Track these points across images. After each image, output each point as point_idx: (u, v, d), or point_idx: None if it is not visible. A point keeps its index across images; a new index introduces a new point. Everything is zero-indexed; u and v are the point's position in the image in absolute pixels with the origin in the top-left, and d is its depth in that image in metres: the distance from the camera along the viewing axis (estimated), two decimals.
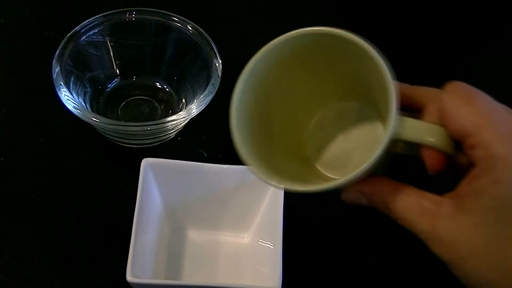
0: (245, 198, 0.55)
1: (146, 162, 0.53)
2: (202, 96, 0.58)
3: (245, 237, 0.55)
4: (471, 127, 0.37)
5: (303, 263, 0.54)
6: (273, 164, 0.43)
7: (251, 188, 0.54)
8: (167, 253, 0.54)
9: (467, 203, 0.37)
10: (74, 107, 0.57)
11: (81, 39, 0.62)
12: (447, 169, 0.40)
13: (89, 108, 0.61)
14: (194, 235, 0.55)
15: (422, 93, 0.41)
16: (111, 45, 0.64)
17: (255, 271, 0.53)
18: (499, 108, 0.38)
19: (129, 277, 0.47)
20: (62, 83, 0.58)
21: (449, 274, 0.57)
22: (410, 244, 0.56)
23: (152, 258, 0.52)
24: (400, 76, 0.68)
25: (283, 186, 0.42)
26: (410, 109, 0.41)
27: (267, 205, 0.54)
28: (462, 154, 0.39)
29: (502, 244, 0.36)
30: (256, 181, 0.54)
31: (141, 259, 0.50)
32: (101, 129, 0.59)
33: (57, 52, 0.60)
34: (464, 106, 0.38)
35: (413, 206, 0.39)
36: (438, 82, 0.71)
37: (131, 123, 0.59)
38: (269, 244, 0.52)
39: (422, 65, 0.71)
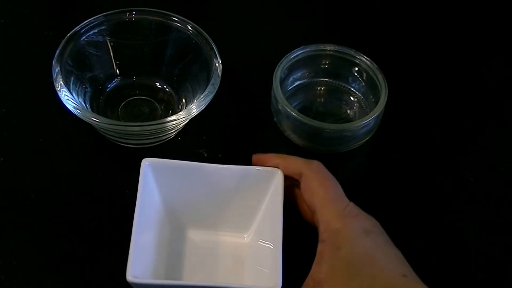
0: (246, 198, 0.55)
1: (146, 162, 0.53)
2: (202, 96, 0.58)
3: (245, 237, 0.55)
4: (318, 206, 0.49)
5: (303, 263, 0.54)
6: None
7: (252, 188, 0.54)
8: (167, 253, 0.54)
9: (323, 281, 0.46)
10: (74, 107, 0.57)
11: (81, 39, 0.62)
12: None
13: (89, 108, 0.61)
14: (195, 235, 0.55)
15: (293, 167, 0.52)
16: (111, 45, 0.64)
17: (255, 271, 0.53)
18: (340, 191, 0.50)
19: (129, 277, 0.47)
20: (62, 83, 0.58)
21: (449, 275, 0.57)
22: (410, 245, 0.56)
23: (152, 258, 0.52)
24: (401, 76, 0.68)
25: None
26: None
27: (267, 205, 0.54)
28: None
29: None
30: (257, 181, 0.54)
31: (141, 259, 0.50)
32: (101, 129, 0.59)
33: (57, 52, 0.60)
34: (318, 187, 0.50)
35: None
36: (438, 82, 0.71)
37: (131, 123, 0.59)
38: (269, 244, 0.52)
39: (422, 65, 0.71)
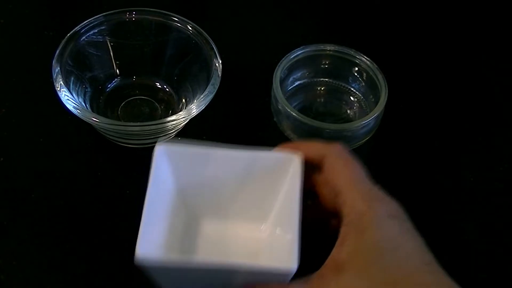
0: (263, 184, 0.52)
1: (160, 146, 0.51)
2: (202, 96, 0.58)
3: (262, 226, 0.53)
4: (343, 187, 0.47)
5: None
6: None
7: (269, 174, 0.52)
8: (179, 242, 0.52)
9: (344, 263, 0.44)
10: (74, 107, 0.57)
11: (81, 39, 0.62)
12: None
13: (89, 108, 0.61)
14: (209, 225, 0.53)
15: (315, 150, 0.50)
16: (111, 45, 0.64)
17: (271, 257, 0.51)
18: (362, 174, 0.48)
19: (139, 254, 0.45)
20: (62, 83, 0.58)
21: (449, 275, 0.57)
22: None
23: (163, 243, 0.50)
24: (401, 76, 0.69)
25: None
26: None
27: (285, 191, 0.52)
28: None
29: None
30: (274, 166, 0.51)
31: (152, 242, 0.47)
32: (101, 129, 0.59)
33: (57, 52, 0.60)
34: (343, 168, 0.48)
35: None
36: (438, 82, 0.71)
37: (131, 123, 0.59)
38: (286, 230, 0.49)
39: (422, 65, 0.71)
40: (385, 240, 0.45)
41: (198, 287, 0.50)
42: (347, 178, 0.47)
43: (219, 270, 0.45)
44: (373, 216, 0.45)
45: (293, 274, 0.45)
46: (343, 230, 0.46)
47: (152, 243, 0.47)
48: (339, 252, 0.45)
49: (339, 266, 0.45)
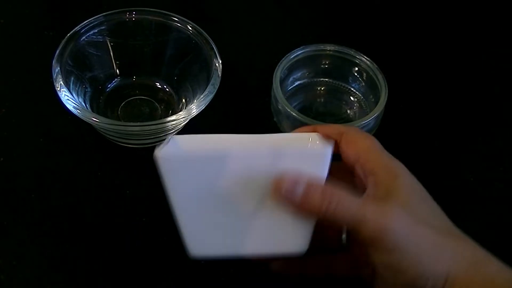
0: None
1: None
2: (202, 96, 0.58)
3: None
4: (365, 152, 0.48)
5: None
6: None
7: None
8: None
9: (383, 199, 0.45)
10: (74, 107, 0.57)
11: (81, 39, 0.62)
12: None
13: (89, 108, 0.61)
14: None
15: (332, 129, 0.51)
16: (111, 45, 0.64)
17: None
18: (382, 147, 0.49)
19: (158, 153, 0.42)
20: (62, 83, 0.58)
21: None
22: None
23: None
24: (401, 76, 0.69)
25: None
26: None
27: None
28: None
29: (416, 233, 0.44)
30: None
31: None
32: (101, 129, 0.59)
33: (57, 52, 0.60)
34: (364, 139, 0.49)
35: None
36: (438, 82, 0.71)
37: (131, 123, 0.59)
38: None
39: (422, 65, 0.71)
40: (416, 193, 0.47)
41: (217, 191, 0.46)
42: (369, 146, 0.49)
43: (246, 153, 0.47)
44: (401, 171, 0.47)
45: (330, 155, 0.46)
46: (371, 179, 0.47)
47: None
48: (375, 192, 0.46)
49: (380, 199, 0.46)
